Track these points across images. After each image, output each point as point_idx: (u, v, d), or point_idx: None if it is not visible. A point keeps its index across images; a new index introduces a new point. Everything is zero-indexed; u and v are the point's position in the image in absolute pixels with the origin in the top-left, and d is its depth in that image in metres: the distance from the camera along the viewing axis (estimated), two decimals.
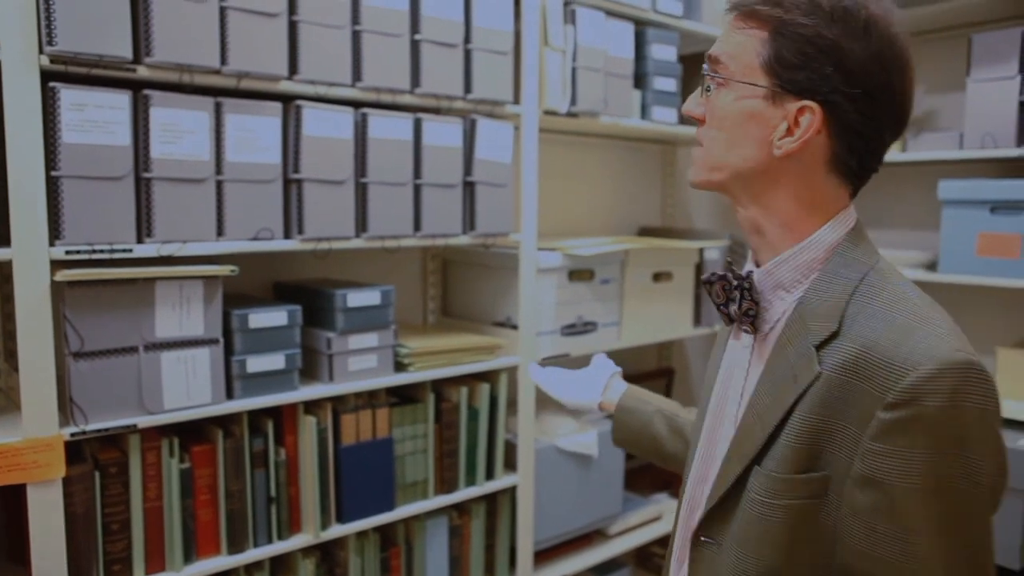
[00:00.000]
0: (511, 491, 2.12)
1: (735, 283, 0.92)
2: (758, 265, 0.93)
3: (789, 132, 0.85)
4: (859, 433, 0.79)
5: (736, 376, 0.96)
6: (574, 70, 2.09)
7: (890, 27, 0.83)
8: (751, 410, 0.89)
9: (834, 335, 0.82)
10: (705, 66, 0.91)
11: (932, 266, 2.31)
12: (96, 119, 1.38)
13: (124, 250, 1.43)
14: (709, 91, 0.91)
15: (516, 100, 2.00)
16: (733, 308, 0.93)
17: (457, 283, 2.31)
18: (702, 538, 0.94)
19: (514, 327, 2.09)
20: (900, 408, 0.75)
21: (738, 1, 0.87)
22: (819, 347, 0.83)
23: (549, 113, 2.07)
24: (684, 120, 2.38)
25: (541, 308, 2.11)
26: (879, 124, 0.85)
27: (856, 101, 0.83)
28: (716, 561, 0.92)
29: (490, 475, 2.07)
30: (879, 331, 0.79)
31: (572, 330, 2.20)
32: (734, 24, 0.88)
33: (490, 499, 2.12)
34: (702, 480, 0.98)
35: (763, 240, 0.91)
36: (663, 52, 2.37)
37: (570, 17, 2.06)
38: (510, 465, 2.12)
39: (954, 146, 2.20)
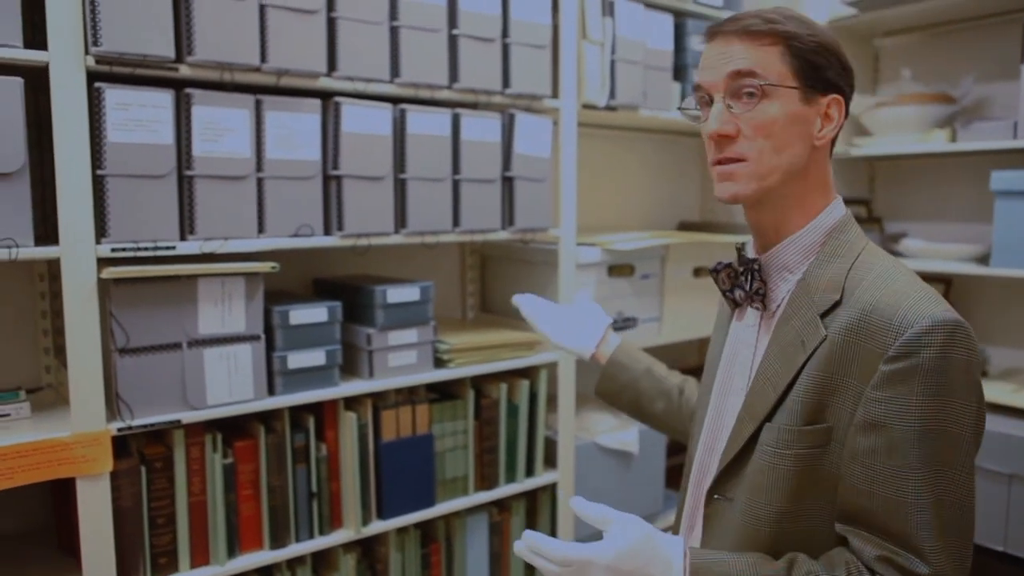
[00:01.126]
0: (551, 488, 2.11)
1: (741, 268, 1.04)
2: (759, 253, 1.06)
3: (822, 125, 0.99)
4: (861, 386, 0.91)
5: (743, 353, 1.08)
6: (613, 63, 2.07)
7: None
8: (761, 376, 1.00)
9: (837, 304, 0.95)
10: (740, 82, 0.97)
11: (984, 259, 2.24)
12: (140, 118, 1.39)
13: (168, 247, 1.45)
14: (732, 109, 0.98)
15: (554, 94, 1.98)
16: (739, 292, 1.06)
17: (496, 279, 2.30)
18: (716, 496, 1.05)
19: None
20: (900, 360, 0.87)
21: (737, 26, 0.98)
22: (823, 316, 0.95)
23: (588, 107, 2.05)
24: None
25: None
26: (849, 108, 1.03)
27: (852, 88, 1.02)
28: (728, 514, 1.02)
29: (530, 472, 2.06)
30: (877, 297, 0.92)
31: (613, 326, 2.17)
32: (741, 43, 0.97)
33: (530, 496, 2.12)
34: (711, 447, 1.10)
35: (776, 233, 1.03)
36: (702, 44, 2.33)
37: (608, 9, 2.04)
38: (550, 462, 2.11)
39: (1008, 135, 2.13)
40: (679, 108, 1.11)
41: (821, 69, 0.97)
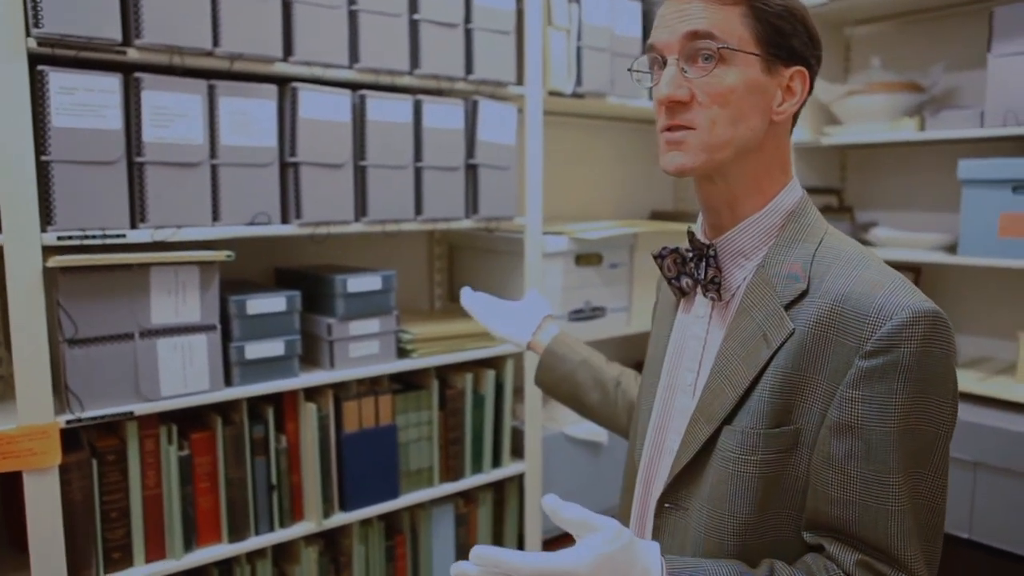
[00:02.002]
0: (518, 479, 2.10)
1: (692, 254, 0.96)
2: (710, 237, 0.97)
3: (783, 98, 0.90)
4: (833, 384, 0.83)
5: (690, 347, 0.98)
6: (579, 49, 2.05)
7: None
8: (718, 373, 0.92)
9: (803, 294, 0.87)
10: (696, 43, 0.87)
11: (952, 248, 2.24)
12: (87, 103, 1.36)
13: (117, 235, 1.42)
14: (686, 72, 0.88)
15: (519, 81, 1.96)
16: (686, 281, 0.97)
17: (463, 268, 2.28)
18: (667, 505, 0.96)
19: None
20: (879, 355, 0.81)
21: None
22: (788, 307, 0.87)
23: (554, 94, 2.03)
24: None
25: (548, 293, 2.07)
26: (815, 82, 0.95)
27: (818, 63, 0.93)
28: (683, 526, 0.94)
29: (496, 463, 2.04)
30: (850, 286, 0.84)
31: (580, 315, 2.16)
32: (704, 1, 0.87)
33: (497, 487, 2.10)
34: (657, 451, 1.01)
35: (731, 212, 0.94)
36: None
37: None
38: (517, 453, 2.10)
39: (975, 124, 2.12)
40: (628, 69, 1.01)
41: (786, 36, 0.88)
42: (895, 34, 2.58)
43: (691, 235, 0.96)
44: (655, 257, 1.00)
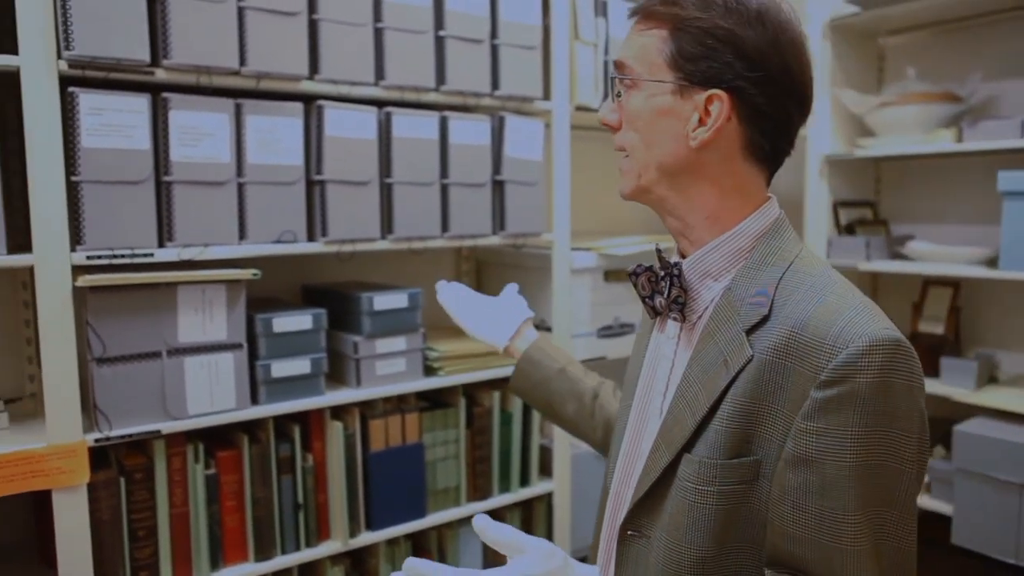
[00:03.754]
0: (547, 498, 2.07)
1: (662, 273, 0.93)
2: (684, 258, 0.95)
3: (701, 123, 0.87)
4: (791, 415, 0.79)
5: (662, 368, 0.96)
6: (606, 63, 2.03)
7: (781, 14, 0.87)
8: (680, 398, 0.89)
9: (764, 319, 0.84)
10: (613, 72, 0.93)
11: (992, 262, 2.18)
12: (115, 123, 1.37)
13: (145, 254, 1.43)
14: (620, 96, 0.92)
15: (546, 96, 1.95)
16: (659, 300, 0.94)
17: (491, 284, 2.27)
18: (629, 532, 0.93)
19: (548, 329, 2.04)
20: (833, 386, 0.76)
21: (638, 6, 0.90)
22: (749, 332, 0.84)
23: (581, 109, 2.01)
24: None
25: (576, 310, 2.05)
26: (784, 105, 0.88)
27: (759, 85, 0.85)
28: (644, 554, 0.91)
29: (525, 482, 2.02)
30: (809, 313, 0.81)
31: (608, 332, 2.14)
32: (636, 28, 0.91)
33: (525, 506, 2.07)
34: (627, 475, 0.97)
35: (690, 243, 0.93)
36: None
37: (601, 9, 2.01)
38: (545, 471, 2.07)
39: (1016, 134, 2.07)
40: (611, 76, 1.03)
41: (697, 60, 0.85)
42: (930, 44, 2.53)
43: (659, 253, 0.94)
44: (629, 274, 0.96)
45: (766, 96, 0.86)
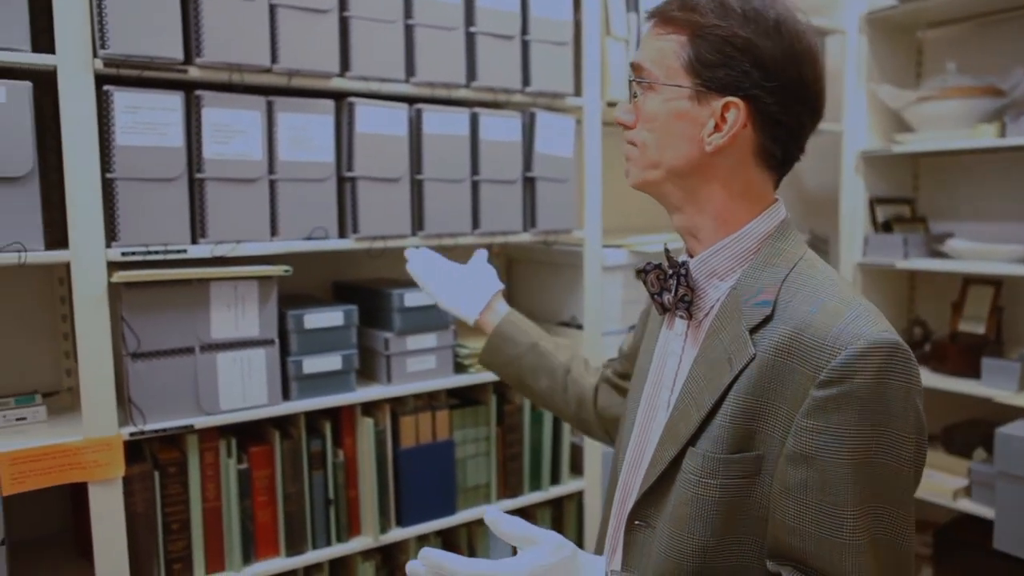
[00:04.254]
0: (578, 496, 2.06)
1: (670, 271, 0.95)
2: (692, 256, 0.97)
3: (717, 128, 0.89)
4: (792, 412, 0.82)
5: (669, 364, 0.98)
6: None
7: (797, 24, 0.89)
8: (686, 394, 0.91)
9: (768, 319, 0.86)
10: (630, 74, 0.95)
11: None
12: (149, 121, 1.39)
13: (179, 251, 1.44)
14: (637, 97, 0.94)
15: (577, 92, 1.94)
16: (667, 296, 0.95)
17: (521, 282, 2.26)
18: (636, 522, 0.95)
19: (579, 327, 2.02)
20: (832, 386, 0.79)
21: (655, 10, 0.92)
22: (753, 331, 0.86)
23: (612, 105, 2.00)
24: None
25: (607, 307, 2.04)
26: (797, 113, 0.90)
27: (775, 94, 0.87)
28: (649, 544, 0.93)
29: (555, 479, 2.01)
30: (811, 314, 0.83)
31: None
32: (654, 31, 0.92)
33: (556, 504, 2.06)
34: (636, 466, 1.00)
35: (698, 241, 0.95)
36: None
37: (632, 4, 1.99)
38: (576, 469, 2.06)
39: None
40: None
41: (715, 67, 0.87)
42: (970, 36, 2.47)
43: (667, 252, 0.97)
44: (638, 272, 1.01)
45: (781, 105, 0.88)
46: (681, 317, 0.95)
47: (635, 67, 0.94)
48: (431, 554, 0.81)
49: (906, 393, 0.79)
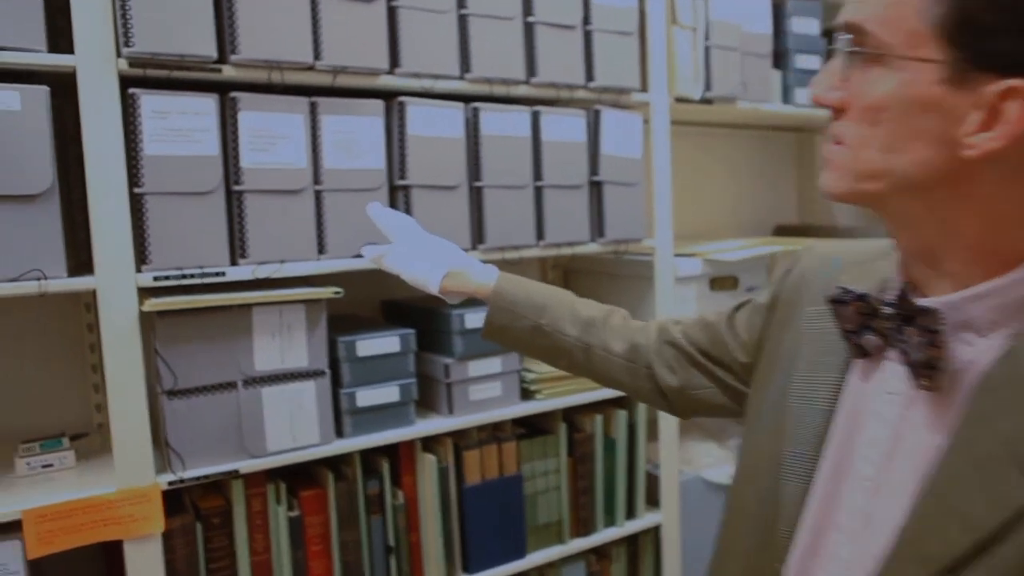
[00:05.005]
0: (654, 531, 1.86)
1: (891, 311, 0.68)
2: (921, 293, 0.70)
3: (985, 125, 0.60)
4: None
5: (871, 429, 0.72)
6: (707, 49, 1.84)
7: None
8: (940, 500, 0.64)
9: None
10: (843, 37, 0.67)
11: None
12: (180, 127, 1.23)
13: (217, 274, 1.28)
14: (847, 72, 0.67)
15: (643, 87, 1.76)
16: (870, 338, 0.71)
17: (584, 295, 2.07)
18: None
19: None
20: None
21: None
22: None
23: (681, 100, 1.82)
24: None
25: None
26: None
27: None
28: None
29: (631, 513, 1.82)
30: None
31: None
32: None
33: (631, 541, 1.87)
34: (813, 553, 0.74)
35: (938, 272, 0.68)
36: (805, 25, 2.08)
37: None
38: (652, 501, 1.87)
39: None
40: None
41: (993, 35, 0.59)
42: None
43: (903, 290, 0.69)
44: (831, 301, 0.73)
45: None
46: (922, 386, 0.67)
47: (852, 28, 0.66)
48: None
49: None
